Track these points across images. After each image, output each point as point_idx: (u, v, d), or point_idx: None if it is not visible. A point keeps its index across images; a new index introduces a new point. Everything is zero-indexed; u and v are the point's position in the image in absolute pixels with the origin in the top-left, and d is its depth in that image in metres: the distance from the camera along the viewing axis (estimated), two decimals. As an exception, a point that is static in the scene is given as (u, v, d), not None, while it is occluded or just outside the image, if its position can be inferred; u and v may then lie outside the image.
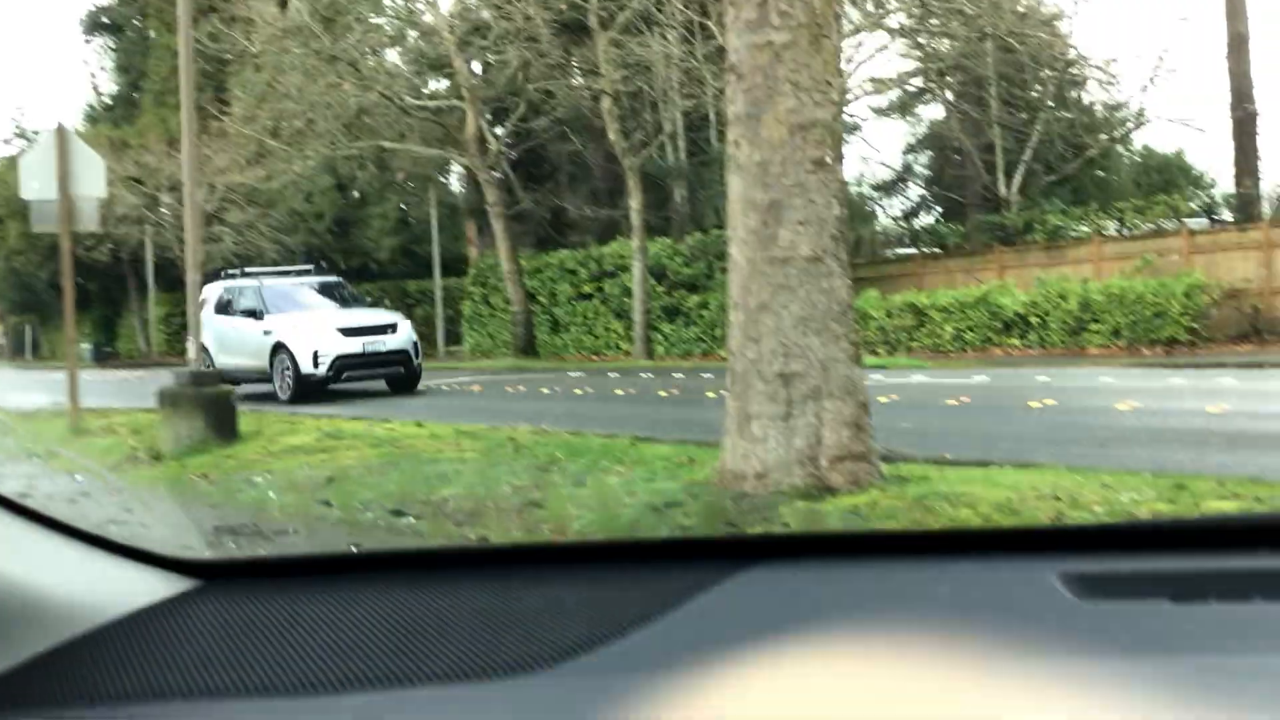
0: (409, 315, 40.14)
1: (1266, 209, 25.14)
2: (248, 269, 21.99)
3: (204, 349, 16.02)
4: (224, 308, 19.77)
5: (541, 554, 1.56)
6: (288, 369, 17.95)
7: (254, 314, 19.00)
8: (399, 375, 19.02)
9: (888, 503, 5.57)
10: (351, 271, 40.28)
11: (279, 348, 18.14)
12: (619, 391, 18.08)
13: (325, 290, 20.51)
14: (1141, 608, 1.04)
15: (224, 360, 18.35)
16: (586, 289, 30.28)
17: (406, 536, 5.61)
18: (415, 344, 19.60)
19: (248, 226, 36.09)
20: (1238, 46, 27.39)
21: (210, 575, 1.47)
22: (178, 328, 40.12)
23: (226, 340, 19.06)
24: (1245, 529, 1.24)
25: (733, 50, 6.71)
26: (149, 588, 1.39)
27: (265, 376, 18.47)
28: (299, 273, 21.98)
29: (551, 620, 1.24)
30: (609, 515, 5.93)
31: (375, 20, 31.01)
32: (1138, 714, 0.85)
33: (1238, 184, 27.29)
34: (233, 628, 1.32)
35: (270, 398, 17.91)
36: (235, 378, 16.72)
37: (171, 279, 41.26)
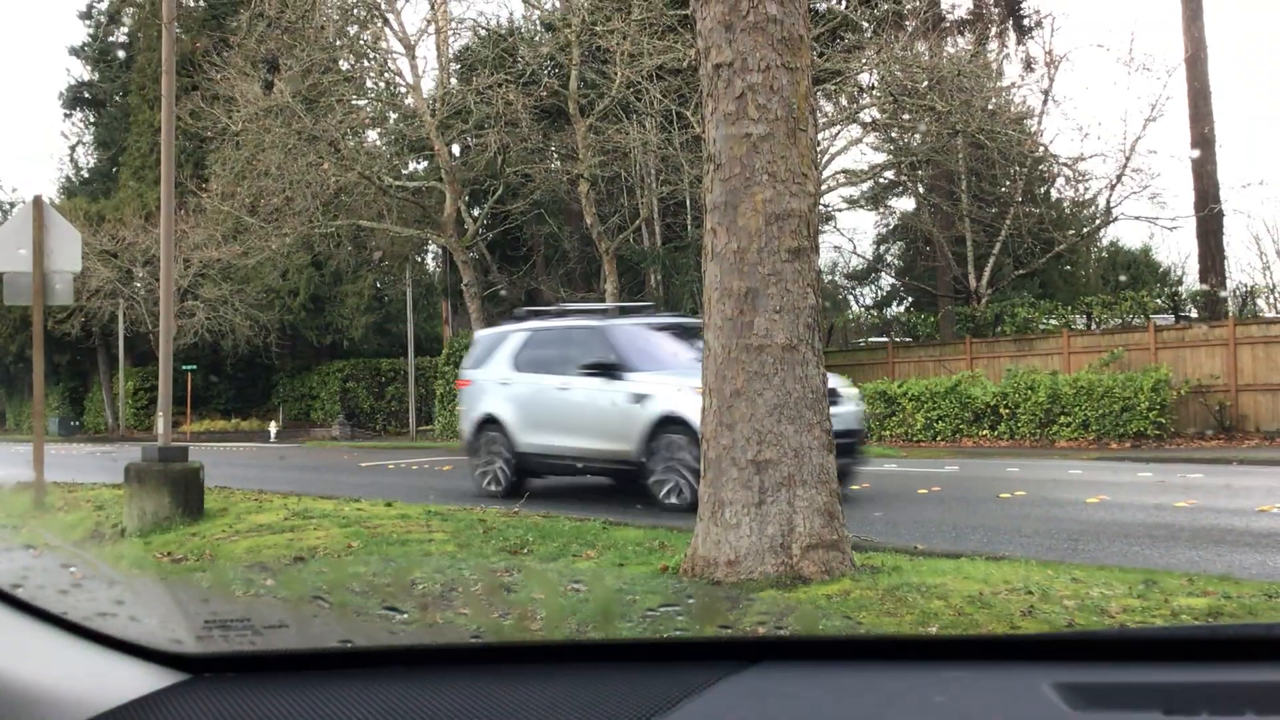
0: (380, 394, 40.16)
1: (1231, 307, 25.55)
2: (552, 307, 16.73)
3: (489, 423, 13.56)
4: (533, 363, 13.62)
5: (534, 652, 1.54)
6: (682, 455, 11.39)
7: (606, 370, 12.56)
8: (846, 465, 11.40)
9: (860, 593, 5.54)
10: (324, 348, 40.23)
11: (666, 423, 11.67)
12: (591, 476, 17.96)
13: (689, 336, 12.81)
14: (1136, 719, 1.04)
15: (536, 440, 13.12)
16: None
17: (395, 626, 5.53)
18: (864, 417, 15.34)
19: (221, 302, 36.04)
20: (1203, 147, 28.07)
21: (198, 669, 1.44)
22: (147, 401, 39.83)
23: (542, 411, 13.16)
24: (1235, 641, 1.24)
25: (711, 140, 6.82)
26: (135, 681, 1.37)
27: (618, 464, 12.44)
28: (639, 309, 15.48)
29: None
30: (580, 600, 5.87)
31: (357, 102, 31.35)
32: None
33: (1203, 281, 27.78)
34: None
35: (627, 497, 12.31)
36: (555, 465, 13.12)
37: (142, 353, 41.04)
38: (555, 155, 29.52)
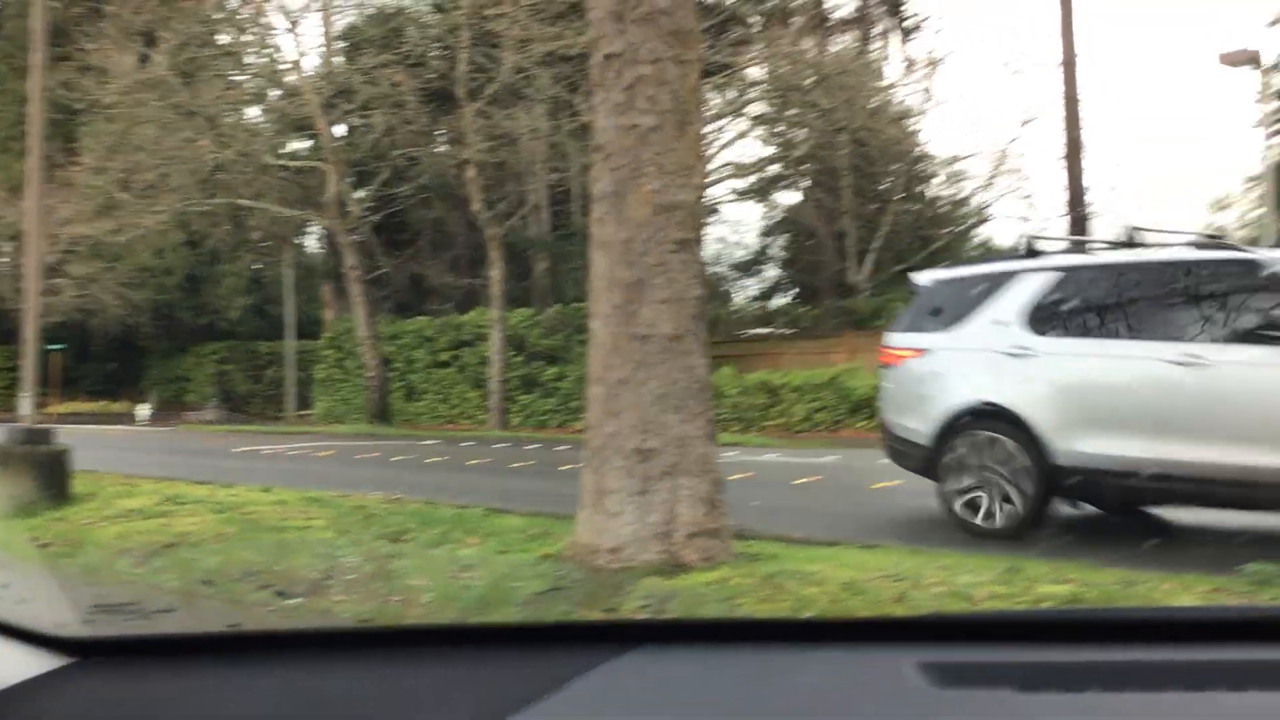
0: (257, 378, 39.24)
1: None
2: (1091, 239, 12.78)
3: (984, 417, 8.89)
4: (1080, 321, 8.92)
5: (421, 635, 1.56)
6: None
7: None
8: None
9: (739, 580, 5.65)
10: (200, 329, 39.16)
11: None
12: (473, 461, 17.91)
13: None
14: (992, 696, 1.10)
15: (1109, 448, 8.38)
16: (444, 357, 30.06)
17: (282, 611, 5.45)
18: None
19: (91, 280, 34.78)
20: (1072, 152, 29.11)
21: (86, 652, 1.42)
22: (10, 382, 38.24)
23: (1132, 400, 8.47)
24: (1087, 623, 1.32)
25: (600, 130, 6.86)
26: (20, 664, 1.35)
27: None
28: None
29: (433, 704, 1.24)
30: (461, 586, 5.86)
31: (236, 77, 30.53)
32: None
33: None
34: (106, 707, 1.29)
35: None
36: (1158, 490, 8.43)
37: (5, 331, 39.38)
38: (443, 139, 29.19)
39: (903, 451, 9.89)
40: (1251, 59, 19.54)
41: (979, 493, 8.96)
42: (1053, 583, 5.81)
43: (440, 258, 34.23)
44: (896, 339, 10.00)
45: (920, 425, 9.44)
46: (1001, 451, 8.81)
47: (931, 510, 10.85)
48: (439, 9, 27.88)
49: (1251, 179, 31.48)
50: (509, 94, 26.35)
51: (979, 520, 8.91)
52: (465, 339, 29.59)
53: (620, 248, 6.66)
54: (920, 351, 9.62)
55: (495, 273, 27.50)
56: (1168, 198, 65.33)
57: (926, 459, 9.44)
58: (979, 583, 5.66)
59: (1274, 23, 29.17)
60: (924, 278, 10.43)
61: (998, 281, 9.41)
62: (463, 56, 25.80)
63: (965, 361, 9.27)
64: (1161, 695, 1.07)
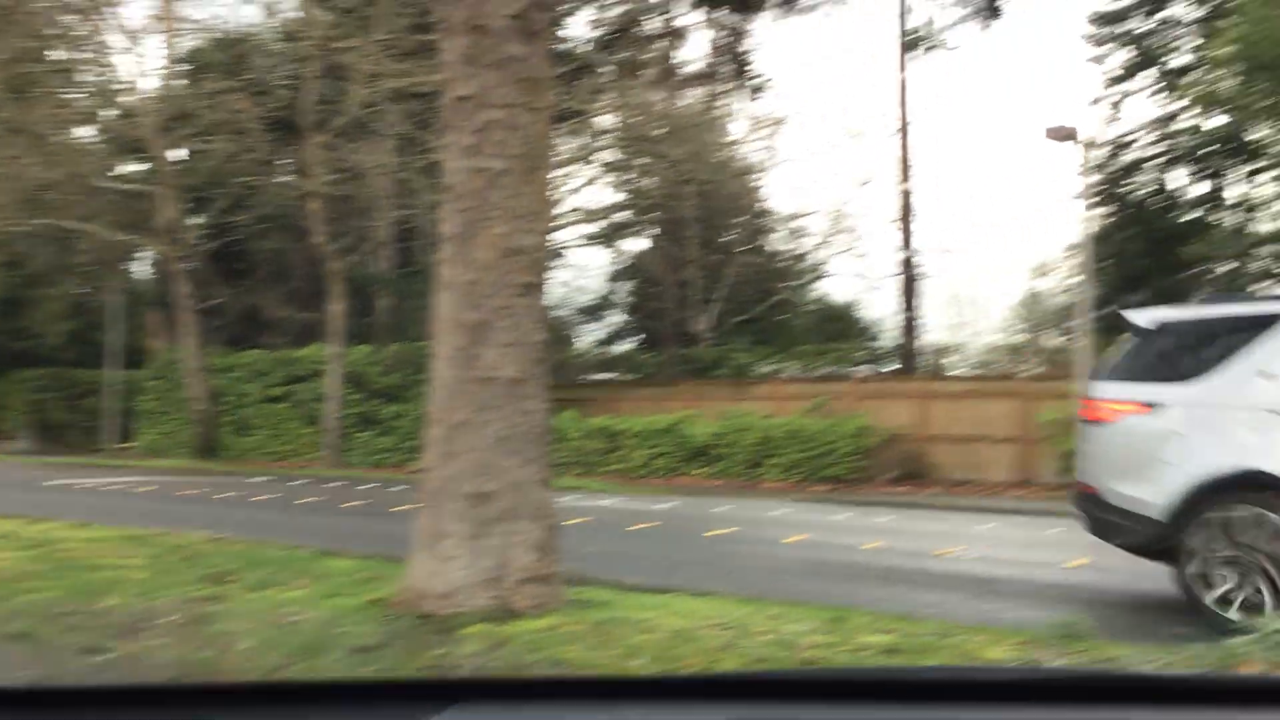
0: (75, 407, 37.32)
1: (925, 362, 27.66)
2: None
3: (1246, 488, 7.48)
4: None
5: (229, 694, 1.51)
6: None
7: None
8: None
9: (569, 627, 5.65)
10: (15, 355, 37.11)
11: None
12: (305, 500, 17.44)
13: None
14: None
15: None
16: (277, 391, 29.23)
17: (86, 661, 5.17)
18: None
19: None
20: (904, 213, 30.38)
21: None
22: None
23: None
24: (901, 683, 1.39)
25: (450, 172, 6.85)
26: None
27: None
28: None
29: None
30: (284, 633, 5.69)
31: (69, 96, 29.27)
32: None
33: (900, 337, 29.99)
34: None
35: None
36: None
37: None
38: (286, 169, 28.57)
39: (1117, 525, 8.25)
40: (1071, 134, 20.79)
41: (1237, 581, 7.39)
42: (874, 633, 5.99)
43: (279, 290, 33.34)
44: (1109, 390, 8.35)
45: (1150, 495, 7.80)
46: (1273, 531, 7.31)
47: (762, 556, 11.05)
48: (287, 37, 27.36)
49: (1071, 247, 33.31)
50: (357, 127, 26.00)
51: (1235, 613, 7.16)
52: (301, 374, 28.85)
53: (465, 289, 6.63)
54: (1148, 406, 8.01)
55: (336, 307, 26.95)
56: (995, 262, 68.57)
57: (1157, 536, 7.84)
58: (804, 631, 5.80)
59: (1094, 101, 31.06)
60: (1147, 317, 8.58)
61: (1261, 325, 7.81)
62: (310, 87, 25.36)
63: (1219, 420, 7.74)
64: None
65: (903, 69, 30.98)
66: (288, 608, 6.22)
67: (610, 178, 29.53)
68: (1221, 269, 23.05)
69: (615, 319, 38.73)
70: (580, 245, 32.72)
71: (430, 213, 23.49)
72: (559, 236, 29.49)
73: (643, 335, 35.63)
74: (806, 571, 10.19)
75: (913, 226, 30.52)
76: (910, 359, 27.98)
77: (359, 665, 4.79)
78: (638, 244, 35.07)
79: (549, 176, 8.13)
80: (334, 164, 25.91)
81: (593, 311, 38.56)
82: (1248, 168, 27.80)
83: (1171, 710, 1.32)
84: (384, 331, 30.19)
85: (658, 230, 32.52)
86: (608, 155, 27.84)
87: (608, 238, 33.95)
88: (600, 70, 26.80)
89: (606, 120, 26.96)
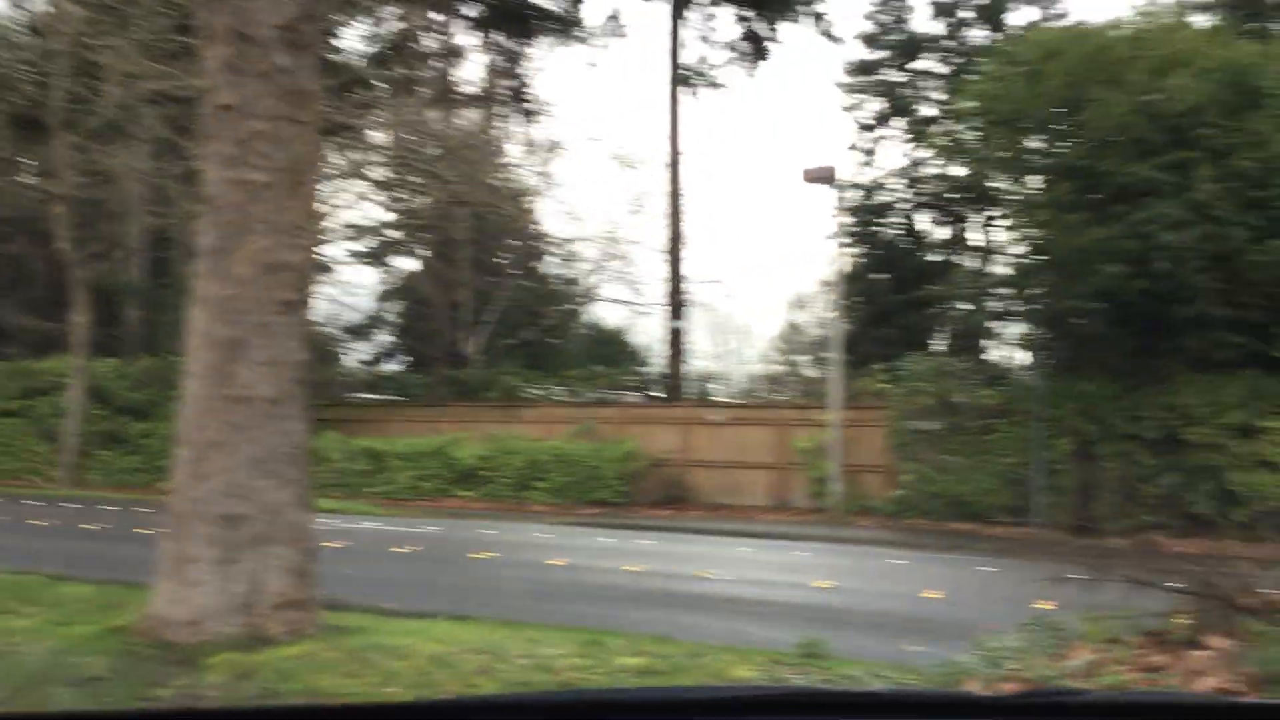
0: None
1: (690, 389, 28.42)
2: None
3: None
4: None
5: None
6: None
7: None
8: None
9: (324, 654, 5.52)
10: None
11: None
12: (38, 521, 16.29)
13: None
14: None
15: None
16: (12, 405, 27.20)
17: None
18: None
19: None
20: (674, 244, 31.17)
21: None
22: None
23: None
24: (645, 704, 1.46)
25: (209, 182, 6.61)
26: None
27: None
28: None
29: None
30: (5, 664, 5.33)
31: None
32: None
33: (667, 364, 30.72)
34: None
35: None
36: None
37: None
38: (30, 169, 26.72)
39: None
40: (828, 177, 21.89)
41: None
42: (630, 655, 6.12)
43: (18, 297, 31.07)
44: None
45: None
46: None
47: (525, 579, 11.08)
48: (35, 32, 25.66)
49: (826, 283, 34.95)
50: (110, 129, 24.60)
51: None
52: (40, 387, 26.95)
53: (222, 304, 6.41)
54: None
55: (80, 318, 25.35)
56: (759, 294, 71.17)
57: None
58: (561, 655, 5.86)
59: (850, 147, 32.81)
60: None
61: None
62: (60, 84, 23.84)
63: None
64: None
65: (674, 103, 31.86)
66: (13, 637, 5.83)
67: (382, 196, 29.01)
68: (962, 308, 24.68)
69: (384, 339, 38.02)
70: (349, 263, 31.98)
71: (187, 222, 22.45)
72: (326, 253, 28.75)
73: (412, 356, 35.11)
74: (569, 595, 10.29)
75: (682, 256, 31.35)
76: (676, 386, 28.68)
77: (85, 698, 4.53)
78: (409, 264, 34.59)
79: (315, 191, 7.96)
80: (83, 166, 24.41)
81: (361, 330, 37.72)
82: (986, 214, 29.98)
83: None
84: (134, 344, 28.58)
85: (429, 251, 32.16)
86: (380, 173, 27.34)
87: (377, 256, 33.34)
88: (374, 85, 26.35)
89: (379, 137, 26.50)
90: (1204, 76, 16.82)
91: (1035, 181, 19.51)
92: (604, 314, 37.14)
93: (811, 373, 36.84)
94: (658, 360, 33.48)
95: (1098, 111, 17.01)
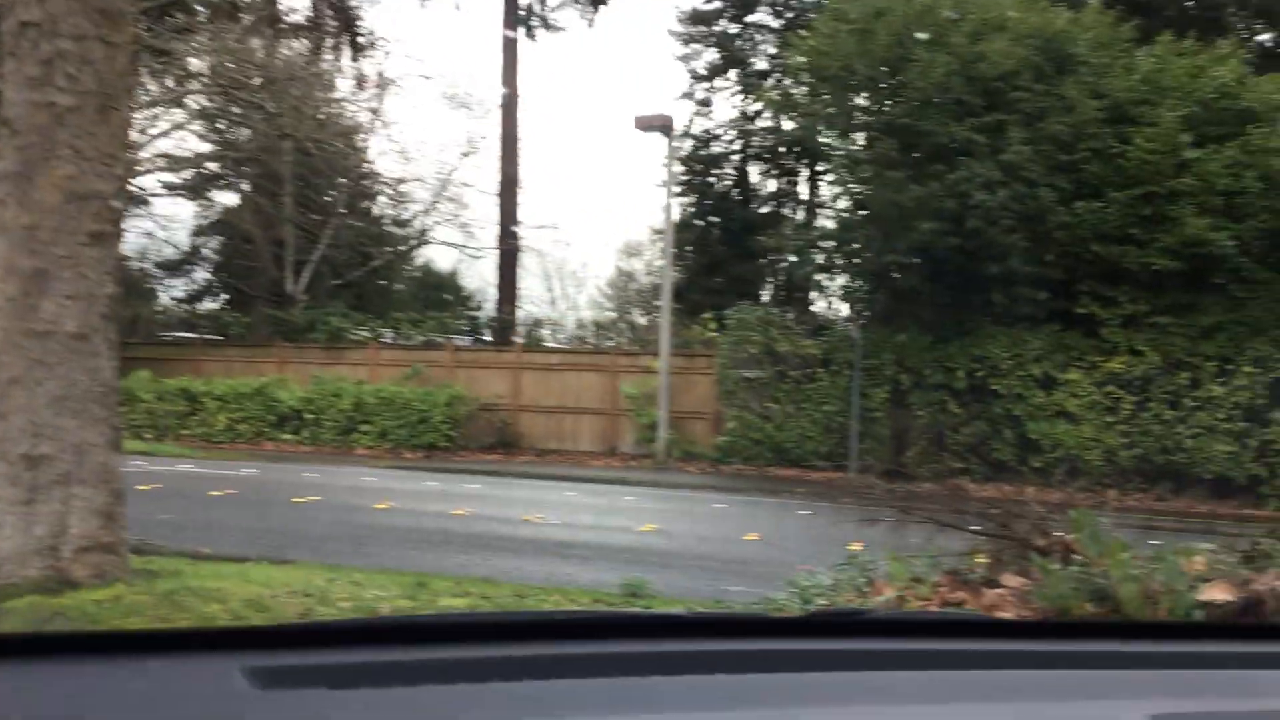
0: None
1: (521, 334, 28.28)
2: None
3: None
4: None
5: None
6: None
7: None
8: None
9: (134, 598, 5.35)
10: None
11: None
12: None
13: None
14: (308, 694, 1.21)
15: None
16: None
17: None
18: None
19: None
20: (508, 188, 30.87)
21: None
22: None
23: None
24: (408, 627, 1.48)
25: (9, 104, 6.21)
26: None
27: None
28: None
29: None
30: None
31: None
32: None
33: (499, 309, 30.50)
34: None
35: None
36: None
37: None
38: None
39: None
40: (661, 125, 21.98)
41: None
42: (454, 596, 6.13)
43: None
44: None
45: None
46: None
47: (350, 523, 10.94)
48: None
49: (657, 232, 35.23)
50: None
51: None
52: None
53: (23, 234, 6.05)
54: None
55: None
56: (591, 239, 71.24)
57: None
58: (386, 597, 5.83)
59: (683, 96, 32.99)
60: None
61: None
62: None
63: None
64: (454, 687, 1.25)
65: (510, 44, 31.41)
66: None
67: (201, 126, 27.74)
68: (788, 260, 25.25)
69: (202, 275, 36.59)
70: (165, 195, 30.54)
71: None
72: (141, 183, 27.39)
73: (231, 295, 33.89)
74: (395, 538, 10.20)
75: (515, 201, 31.08)
76: (506, 330, 28.54)
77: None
78: (229, 198, 33.26)
79: (129, 118, 7.58)
80: None
81: (177, 266, 36.19)
82: (814, 169, 30.70)
83: (710, 641, 1.51)
84: None
85: (252, 185, 30.98)
86: (199, 101, 26.12)
87: (196, 189, 31.95)
88: (193, 9, 25.11)
89: (198, 64, 25.28)
90: (1019, 42, 17.55)
91: (860, 138, 20.06)
92: (435, 257, 36.57)
93: (642, 320, 37.22)
94: (489, 304, 33.22)
95: (920, 72, 17.57)
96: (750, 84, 30.95)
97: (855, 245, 19.47)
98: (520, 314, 30.83)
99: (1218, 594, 4.15)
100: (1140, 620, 3.85)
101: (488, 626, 1.48)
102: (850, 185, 20.26)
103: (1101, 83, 17.56)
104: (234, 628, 1.47)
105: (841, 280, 21.89)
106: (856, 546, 7.65)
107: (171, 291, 36.39)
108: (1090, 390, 17.50)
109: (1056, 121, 17.14)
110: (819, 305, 26.39)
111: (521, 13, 32.42)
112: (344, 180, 29.85)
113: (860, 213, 19.83)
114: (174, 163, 27.43)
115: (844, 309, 22.39)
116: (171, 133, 26.52)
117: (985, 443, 18.27)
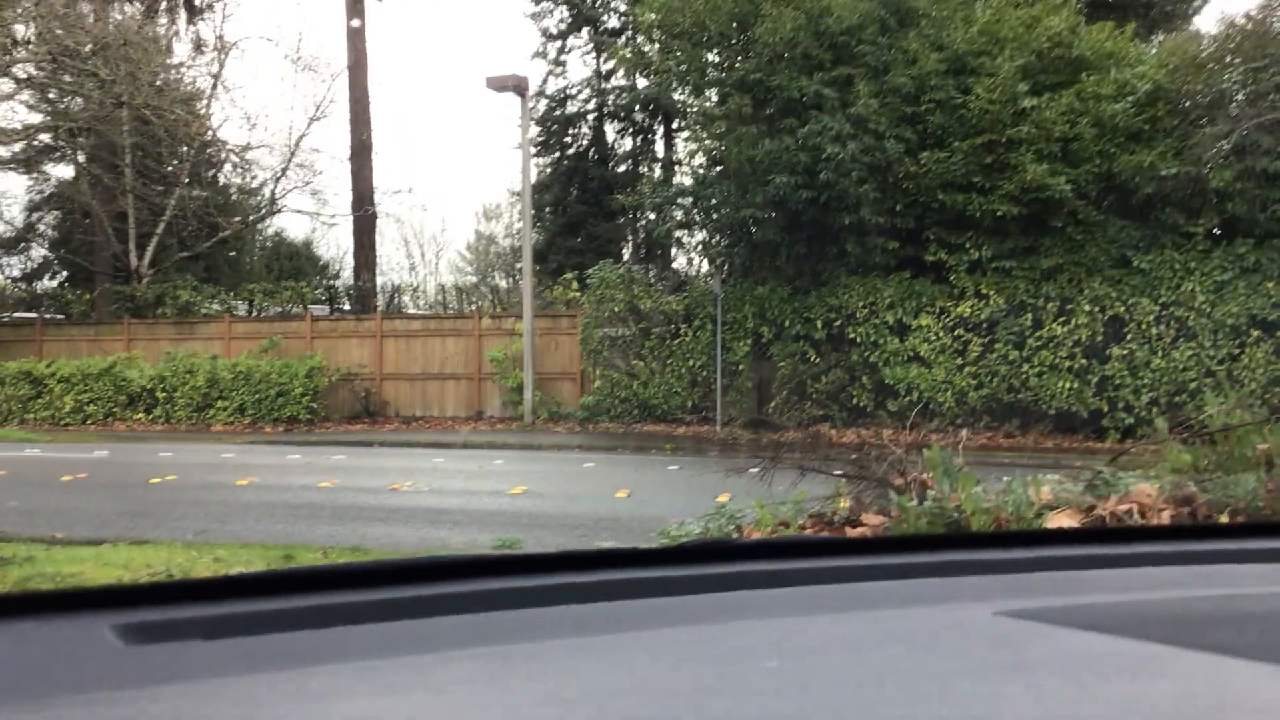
0: None
1: (380, 302, 27.81)
2: None
3: None
4: None
5: None
6: None
7: None
8: None
9: (-15, 587, 5.15)
10: None
11: None
12: None
13: None
14: (179, 646, 1.22)
15: None
16: None
17: None
18: None
19: None
20: (360, 153, 30.18)
21: None
22: None
23: None
24: (279, 578, 1.49)
25: None
26: None
27: None
28: None
29: None
30: None
31: None
32: None
33: (357, 277, 29.91)
34: None
35: None
36: None
37: None
38: None
39: None
40: (515, 85, 21.76)
41: None
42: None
43: None
44: None
45: None
46: None
47: (211, 501, 10.68)
48: None
49: (516, 194, 34.97)
50: None
51: None
52: None
53: None
54: None
55: None
56: (449, 204, 70.28)
57: None
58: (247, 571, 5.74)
59: (535, 55, 32.68)
60: None
61: None
62: None
63: None
64: (328, 631, 1.28)
65: (356, 4, 30.58)
66: None
67: (30, 95, 26.34)
68: (648, 218, 25.37)
69: (39, 253, 34.93)
70: (-6, 169, 28.96)
71: None
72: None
73: (71, 272, 32.46)
74: (258, 513, 10.00)
75: (369, 165, 30.41)
76: (366, 298, 28.02)
77: None
78: (64, 171, 31.77)
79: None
80: None
81: (12, 245, 34.47)
82: (670, 126, 30.82)
83: (585, 573, 1.56)
84: None
85: (88, 156, 29.61)
86: (27, 70, 24.78)
87: (28, 162, 30.41)
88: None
89: (23, 29, 23.96)
90: (864, -4, 17.90)
91: (713, 95, 20.22)
92: (288, 226, 35.69)
93: (504, 284, 36.99)
94: (346, 273, 32.55)
95: (769, 28, 17.78)
96: (603, 42, 30.84)
97: (713, 201, 19.66)
98: (379, 281, 30.28)
99: (1063, 520, 4.39)
100: (983, 532, 4.07)
101: (361, 574, 1.50)
102: (705, 142, 20.43)
103: (942, 35, 18.04)
104: (99, 587, 1.46)
105: (700, 236, 22.13)
106: (724, 497, 7.83)
107: (8, 271, 34.69)
108: (941, 335, 18.11)
109: (901, 74, 17.56)
110: (680, 262, 26.61)
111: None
112: (186, 149, 28.76)
113: (716, 169, 20.04)
114: (3, 135, 26.02)
115: (704, 264, 22.64)
116: (-3, 103, 25.15)
117: (844, 390, 18.77)
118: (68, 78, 24.19)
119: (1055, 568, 1.70)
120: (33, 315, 27.10)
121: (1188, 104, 17.42)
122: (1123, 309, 17.27)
